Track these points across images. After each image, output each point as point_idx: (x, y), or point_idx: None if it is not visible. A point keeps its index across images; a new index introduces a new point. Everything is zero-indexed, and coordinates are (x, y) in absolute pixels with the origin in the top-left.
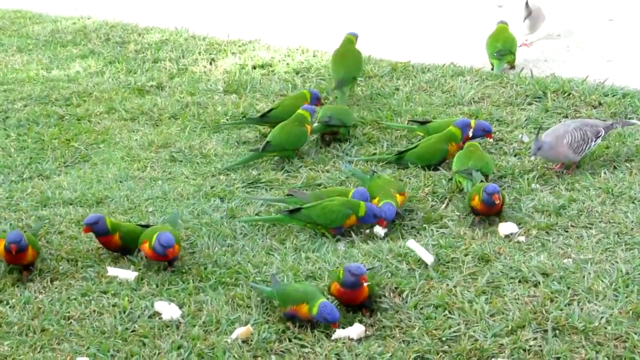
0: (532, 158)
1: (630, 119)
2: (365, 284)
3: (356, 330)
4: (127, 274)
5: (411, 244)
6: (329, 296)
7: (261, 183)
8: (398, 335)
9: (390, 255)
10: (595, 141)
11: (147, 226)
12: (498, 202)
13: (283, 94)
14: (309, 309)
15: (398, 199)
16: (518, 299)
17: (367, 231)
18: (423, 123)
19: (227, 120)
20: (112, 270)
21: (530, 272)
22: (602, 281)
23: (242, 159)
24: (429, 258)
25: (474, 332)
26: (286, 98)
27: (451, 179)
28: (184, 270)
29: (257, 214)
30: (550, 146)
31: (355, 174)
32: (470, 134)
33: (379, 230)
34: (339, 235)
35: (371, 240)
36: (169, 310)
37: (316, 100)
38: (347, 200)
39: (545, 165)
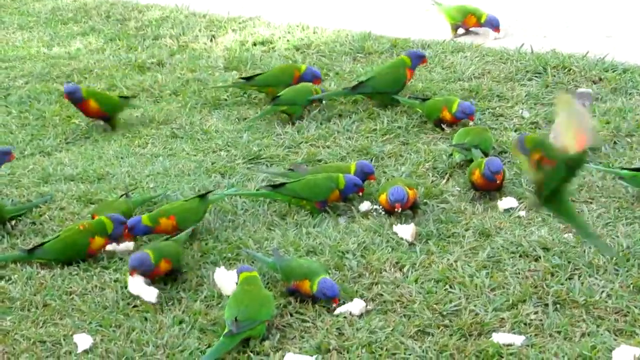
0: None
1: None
2: None
3: (357, 305)
4: (127, 246)
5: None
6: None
7: (262, 159)
8: (399, 309)
9: (391, 230)
10: None
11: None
12: (499, 181)
13: None
14: (310, 286)
15: (408, 191)
16: (519, 273)
17: (373, 207)
18: (424, 100)
19: (227, 97)
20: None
21: (531, 247)
22: (603, 255)
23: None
24: None
25: (474, 306)
26: (276, 66)
27: (451, 155)
28: (185, 246)
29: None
30: None
31: None
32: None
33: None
34: (323, 211)
35: (372, 216)
36: (146, 292)
37: (312, 77)
38: (329, 175)
39: None
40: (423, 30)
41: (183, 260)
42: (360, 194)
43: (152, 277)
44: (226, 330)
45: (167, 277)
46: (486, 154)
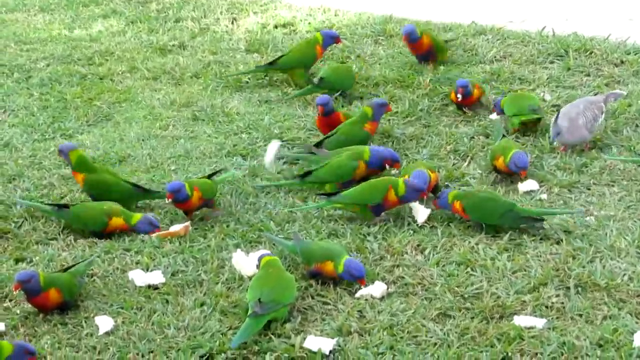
0: (554, 144)
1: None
2: None
3: (379, 288)
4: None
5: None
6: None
7: (283, 141)
8: (420, 292)
9: (402, 204)
10: (601, 116)
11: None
12: (524, 176)
13: None
14: (334, 267)
15: (430, 174)
16: (540, 256)
17: None
18: None
19: (248, 79)
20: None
21: (553, 230)
22: (625, 238)
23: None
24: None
25: (496, 289)
26: (295, 45)
27: (476, 137)
28: (206, 228)
29: (278, 172)
30: (568, 130)
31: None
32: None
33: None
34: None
35: None
36: (150, 277)
37: (331, 39)
38: (352, 153)
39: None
40: (444, 12)
41: (77, 294)
42: (388, 167)
43: (40, 305)
44: (250, 312)
45: (59, 309)
46: (539, 120)
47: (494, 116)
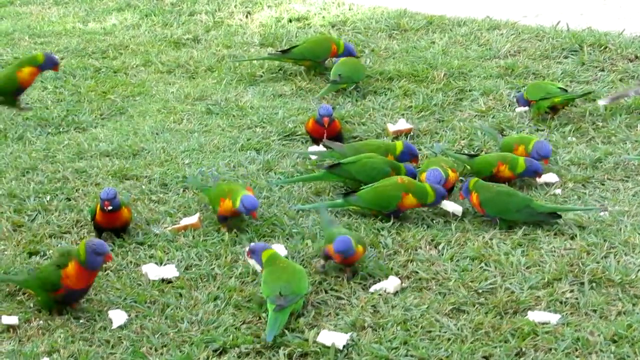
0: None
1: None
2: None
3: (392, 283)
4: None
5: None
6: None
7: (297, 136)
8: (434, 287)
9: (426, 207)
10: None
11: None
12: (546, 164)
13: None
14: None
15: (450, 173)
16: (554, 251)
17: None
18: None
19: (262, 73)
20: None
21: (567, 225)
22: (639, 234)
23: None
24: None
25: (510, 284)
26: (311, 37)
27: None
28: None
29: (293, 166)
30: None
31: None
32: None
33: (453, 207)
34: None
35: None
36: (163, 271)
37: (348, 53)
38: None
39: None
40: (459, 7)
41: None
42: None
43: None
44: (274, 306)
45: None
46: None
47: (519, 109)
